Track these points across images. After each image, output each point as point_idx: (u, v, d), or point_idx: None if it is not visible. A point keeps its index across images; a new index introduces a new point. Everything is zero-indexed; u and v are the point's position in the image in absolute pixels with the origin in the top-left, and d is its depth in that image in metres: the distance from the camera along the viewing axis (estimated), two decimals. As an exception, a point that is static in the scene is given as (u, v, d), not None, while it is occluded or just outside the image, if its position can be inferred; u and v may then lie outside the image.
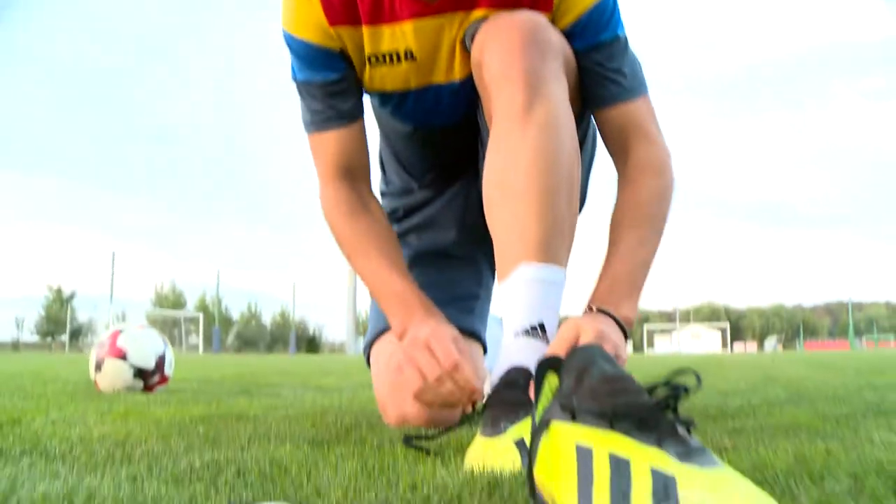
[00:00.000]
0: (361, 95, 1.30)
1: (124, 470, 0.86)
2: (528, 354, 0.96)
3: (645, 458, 0.49)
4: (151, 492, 0.71)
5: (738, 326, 71.18)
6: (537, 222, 1.01)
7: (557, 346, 0.92)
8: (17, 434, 1.24)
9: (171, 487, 0.74)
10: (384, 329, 1.38)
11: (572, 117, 1.08)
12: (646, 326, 53.73)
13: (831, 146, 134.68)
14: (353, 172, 1.30)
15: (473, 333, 1.46)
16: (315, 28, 1.18)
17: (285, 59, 1.28)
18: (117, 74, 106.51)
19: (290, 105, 1.36)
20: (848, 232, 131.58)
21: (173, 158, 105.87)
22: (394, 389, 1.29)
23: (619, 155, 1.21)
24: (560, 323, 0.99)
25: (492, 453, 0.87)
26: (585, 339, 0.91)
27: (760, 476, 0.77)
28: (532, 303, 0.99)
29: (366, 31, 1.18)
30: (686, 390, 0.54)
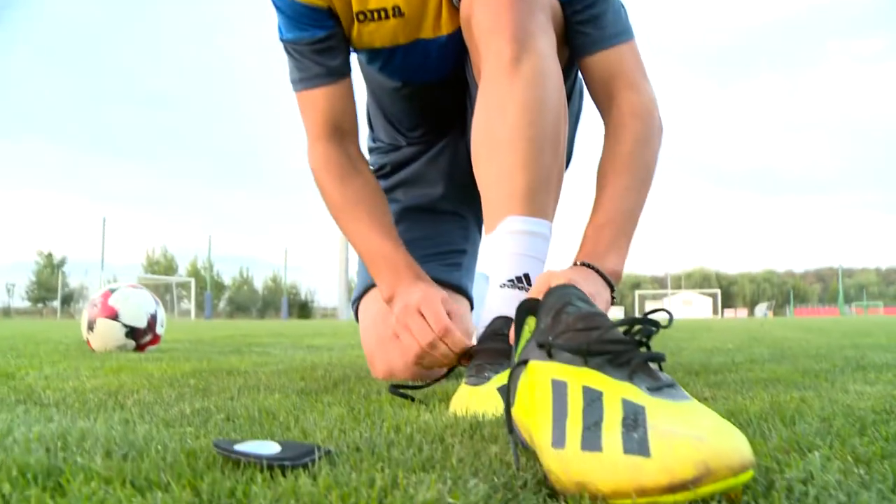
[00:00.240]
0: (349, 53, 1.30)
1: (116, 415, 0.88)
2: (512, 304, 0.97)
3: (617, 390, 0.51)
4: (143, 433, 0.73)
5: (728, 292, 71.59)
6: (523, 174, 1.02)
7: (534, 292, 0.94)
8: (11, 386, 1.26)
9: (163, 429, 0.76)
10: (371, 285, 1.40)
11: (560, 71, 1.09)
12: (637, 292, 54.08)
13: (825, 112, 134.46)
14: (341, 131, 1.30)
15: (460, 288, 1.48)
16: None
17: (273, 20, 1.28)
18: (105, 36, 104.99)
19: (280, 67, 1.35)
20: (840, 198, 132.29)
21: (164, 123, 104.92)
22: (381, 343, 1.31)
23: (605, 104, 1.21)
24: None
25: (475, 399, 0.89)
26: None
27: (735, 420, 0.79)
28: (517, 254, 1.01)
29: None
30: (658, 326, 0.56)
